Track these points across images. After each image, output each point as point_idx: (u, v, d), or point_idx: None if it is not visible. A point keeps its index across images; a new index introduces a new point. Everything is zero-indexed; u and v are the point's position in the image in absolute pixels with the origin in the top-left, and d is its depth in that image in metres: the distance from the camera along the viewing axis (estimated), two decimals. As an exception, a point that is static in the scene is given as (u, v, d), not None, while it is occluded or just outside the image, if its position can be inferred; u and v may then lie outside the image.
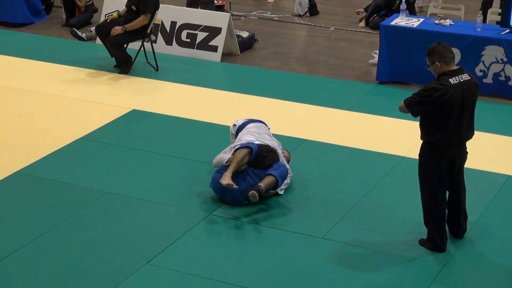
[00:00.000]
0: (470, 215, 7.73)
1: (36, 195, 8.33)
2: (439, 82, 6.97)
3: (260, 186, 7.87)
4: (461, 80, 6.97)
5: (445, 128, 7.01)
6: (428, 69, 7.11)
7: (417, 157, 8.94)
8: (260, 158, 8.12)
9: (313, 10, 14.58)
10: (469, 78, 7.04)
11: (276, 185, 8.00)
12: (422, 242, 7.43)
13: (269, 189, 8.00)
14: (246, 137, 8.42)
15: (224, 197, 8.08)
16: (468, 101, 7.02)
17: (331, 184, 8.46)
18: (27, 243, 7.41)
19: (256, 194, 7.80)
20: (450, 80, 6.94)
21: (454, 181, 7.30)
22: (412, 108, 7.05)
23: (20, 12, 13.79)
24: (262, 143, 8.28)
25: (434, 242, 7.33)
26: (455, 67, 7.04)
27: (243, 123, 8.76)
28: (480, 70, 10.74)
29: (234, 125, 8.83)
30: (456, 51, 10.51)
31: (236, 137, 8.68)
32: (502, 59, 10.63)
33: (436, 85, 6.96)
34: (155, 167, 8.86)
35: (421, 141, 7.30)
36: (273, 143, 8.46)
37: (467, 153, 7.32)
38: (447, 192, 7.35)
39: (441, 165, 7.14)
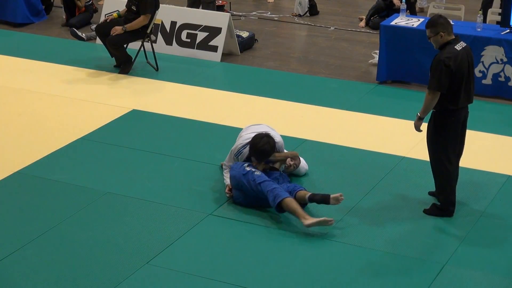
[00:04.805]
0: (470, 215, 7.76)
1: (36, 195, 8.33)
2: (447, 51, 7.38)
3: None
4: (463, 46, 7.44)
5: (459, 92, 7.39)
6: (429, 40, 7.47)
7: (417, 157, 8.98)
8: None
9: (313, 10, 14.57)
10: (466, 44, 7.54)
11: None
12: (428, 211, 7.81)
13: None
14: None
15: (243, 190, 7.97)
16: (472, 64, 7.49)
17: (331, 184, 8.46)
18: (27, 243, 7.41)
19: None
20: (455, 47, 7.38)
21: (461, 143, 7.75)
22: (440, 86, 7.33)
23: (20, 12, 13.78)
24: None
25: (443, 209, 7.73)
26: (454, 36, 7.48)
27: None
28: (480, 71, 10.70)
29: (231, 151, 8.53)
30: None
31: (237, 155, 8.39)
32: (502, 59, 10.62)
33: (447, 54, 7.35)
34: (155, 167, 8.86)
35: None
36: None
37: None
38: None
39: (457, 129, 7.53)
